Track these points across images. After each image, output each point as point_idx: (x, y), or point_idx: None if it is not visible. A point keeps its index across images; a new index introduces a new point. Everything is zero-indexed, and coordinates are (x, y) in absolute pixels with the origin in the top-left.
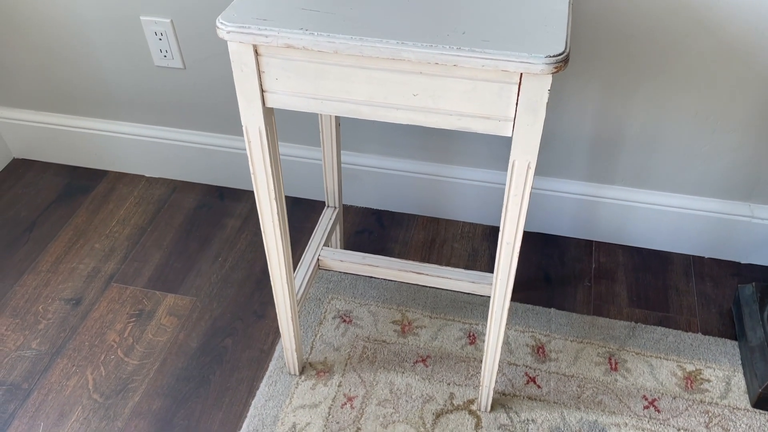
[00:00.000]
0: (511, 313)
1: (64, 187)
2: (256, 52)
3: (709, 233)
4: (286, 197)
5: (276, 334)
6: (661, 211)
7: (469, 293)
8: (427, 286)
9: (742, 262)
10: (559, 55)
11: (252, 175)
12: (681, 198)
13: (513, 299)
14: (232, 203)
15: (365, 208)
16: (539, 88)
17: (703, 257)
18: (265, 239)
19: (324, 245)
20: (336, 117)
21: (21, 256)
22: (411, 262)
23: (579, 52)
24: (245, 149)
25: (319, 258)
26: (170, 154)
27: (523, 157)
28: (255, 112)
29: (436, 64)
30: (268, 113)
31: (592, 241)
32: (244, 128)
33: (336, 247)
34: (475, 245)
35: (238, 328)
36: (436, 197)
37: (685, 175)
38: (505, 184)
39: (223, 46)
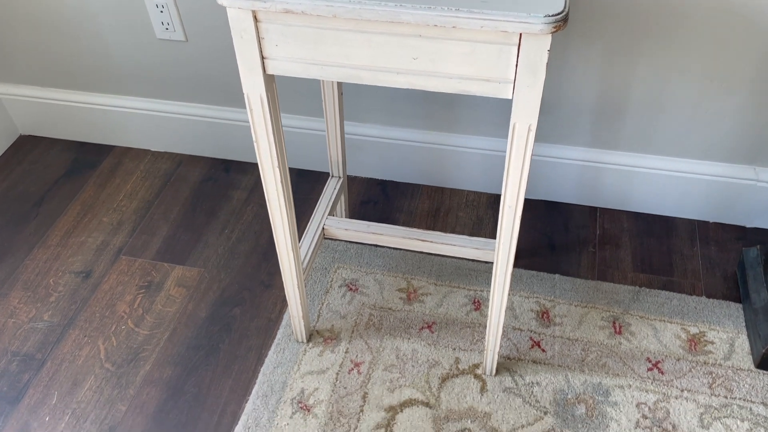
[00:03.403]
0: (516, 279)
1: (71, 163)
2: (255, 18)
3: (714, 197)
4: (291, 169)
5: (283, 303)
6: (665, 176)
7: (473, 260)
8: (431, 254)
9: (748, 226)
10: (558, 14)
11: (255, 143)
12: (685, 162)
13: (518, 266)
14: (237, 176)
15: (370, 178)
16: (539, 48)
17: (708, 221)
18: (269, 207)
19: (329, 216)
20: (338, 86)
21: (31, 231)
22: (415, 229)
23: (581, 13)
24: (249, 120)
25: (324, 227)
26: (175, 127)
27: (524, 119)
28: (256, 80)
29: (435, 26)
30: (269, 80)
31: (596, 208)
32: (245, 96)
33: (341, 218)
34: (479, 213)
35: (246, 297)
36: (441, 166)
37: (690, 139)
38: None
39: (224, 18)
